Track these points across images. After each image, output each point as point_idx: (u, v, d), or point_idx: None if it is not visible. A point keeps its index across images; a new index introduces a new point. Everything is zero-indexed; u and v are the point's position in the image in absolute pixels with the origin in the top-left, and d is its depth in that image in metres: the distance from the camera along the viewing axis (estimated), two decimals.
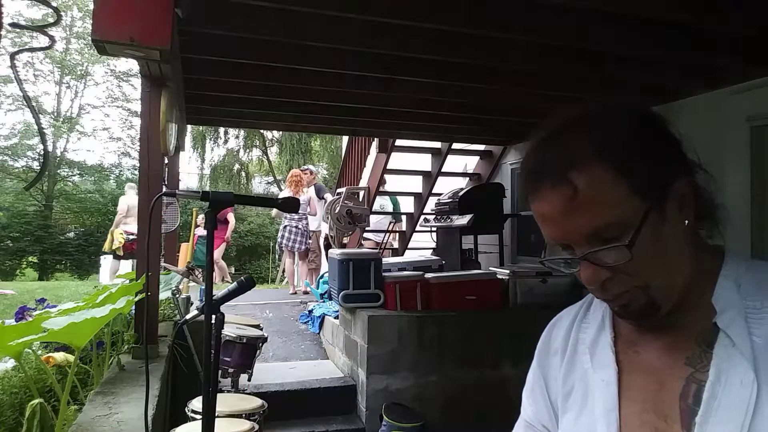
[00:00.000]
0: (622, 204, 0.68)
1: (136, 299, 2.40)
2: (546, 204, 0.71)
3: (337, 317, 4.88)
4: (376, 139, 6.40)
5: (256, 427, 2.40)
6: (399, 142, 6.28)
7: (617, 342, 0.81)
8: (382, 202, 7.33)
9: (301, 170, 8.33)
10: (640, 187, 0.68)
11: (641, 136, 0.71)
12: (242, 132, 20.50)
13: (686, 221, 0.72)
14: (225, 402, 2.59)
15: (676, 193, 0.71)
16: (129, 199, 9.22)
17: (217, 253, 9.40)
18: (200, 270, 4.10)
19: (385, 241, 6.99)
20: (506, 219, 5.68)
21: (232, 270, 17.15)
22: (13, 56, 1.99)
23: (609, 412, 0.76)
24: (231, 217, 9.65)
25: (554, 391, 0.87)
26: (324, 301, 5.77)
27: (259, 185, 23.19)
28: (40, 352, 2.26)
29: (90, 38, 2.50)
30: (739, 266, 0.75)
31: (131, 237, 9.02)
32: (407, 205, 7.19)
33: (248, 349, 3.29)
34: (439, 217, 5.89)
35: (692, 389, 0.71)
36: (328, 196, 7.06)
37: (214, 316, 1.37)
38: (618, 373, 0.78)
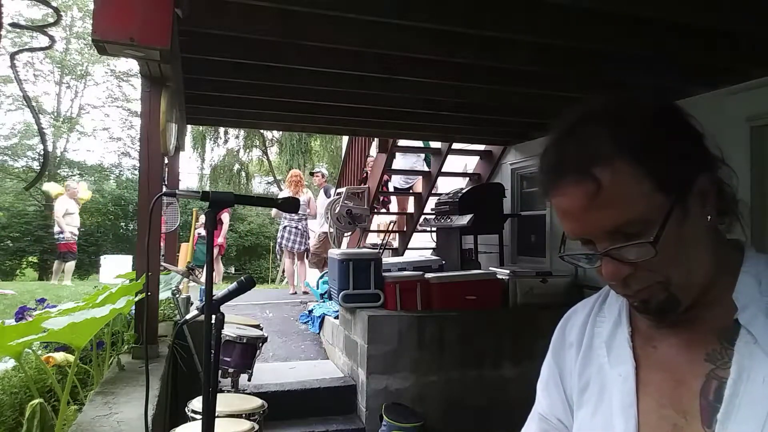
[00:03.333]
0: (646, 200, 0.67)
1: (136, 299, 2.40)
2: (568, 199, 0.70)
3: (337, 317, 4.88)
4: (376, 139, 6.40)
5: (256, 427, 2.40)
6: (399, 142, 6.28)
7: (634, 337, 0.80)
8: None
9: (313, 173, 8.32)
10: (663, 182, 0.67)
11: (664, 131, 0.69)
12: (242, 132, 20.51)
13: (708, 217, 0.71)
14: (225, 402, 2.59)
15: (699, 189, 0.69)
16: None
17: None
18: (200, 270, 4.10)
19: (385, 242, 6.98)
20: (506, 219, 5.68)
21: (232, 270, 17.16)
22: (13, 56, 1.99)
23: (627, 408, 0.75)
24: (225, 217, 9.57)
25: (569, 384, 0.86)
26: (324, 301, 5.77)
27: (259, 185, 23.21)
28: (40, 352, 2.26)
29: (90, 38, 2.50)
30: (759, 262, 0.74)
31: None
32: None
33: (248, 349, 3.30)
34: (439, 217, 5.89)
35: (713, 386, 0.70)
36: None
37: (214, 316, 1.37)
38: (636, 368, 0.77)
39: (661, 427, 0.73)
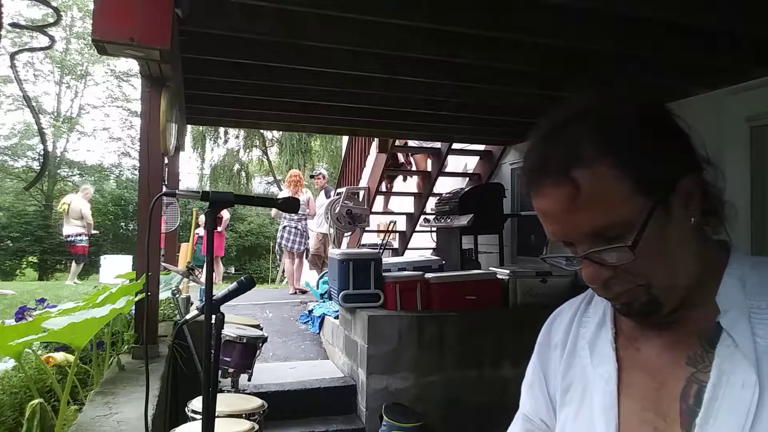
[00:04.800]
0: (626, 202, 0.66)
1: (136, 299, 2.40)
2: (548, 201, 0.69)
3: (337, 317, 4.88)
4: (376, 139, 6.40)
5: (256, 427, 2.40)
6: (399, 142, 6.28)
7: (618, 338, 0.79)
8: None
9: (314, 175, 8.32)
10: (645, 184, 0.66)
11: (647, 132, 0.68)
12: (242, 132, 20.52)
13: (692, 219, 0.70)
14: (225, 402, 2.59)
15: (683, 191, 0.68)
16: None
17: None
18: (200, 270, 4.09)
19: (385, 242, 6.98)
20: (506, 219, 5.68)
21: (232, 270, 17.16)
22: (13, 56, 1.99)
23: (608, 409, 0.75)
24: (224, 212, 9.54)
25: (553, 385, 0.86)
26: (324, 301, 5.77)
27: (259, 185, 23.23)
28: (40, 352, 2.26)
29: (90, 38, 2.50)
30: (744, 263, 0.73)
31: None
32: None
33: (248, 349, 3.29)
34: (439, 217, 5.89)
35: (693, 390, 0.69)
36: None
37: (214, 316, 1.37)
38: (618, 370, 0.77)
39: (642, 430, 0.72)
